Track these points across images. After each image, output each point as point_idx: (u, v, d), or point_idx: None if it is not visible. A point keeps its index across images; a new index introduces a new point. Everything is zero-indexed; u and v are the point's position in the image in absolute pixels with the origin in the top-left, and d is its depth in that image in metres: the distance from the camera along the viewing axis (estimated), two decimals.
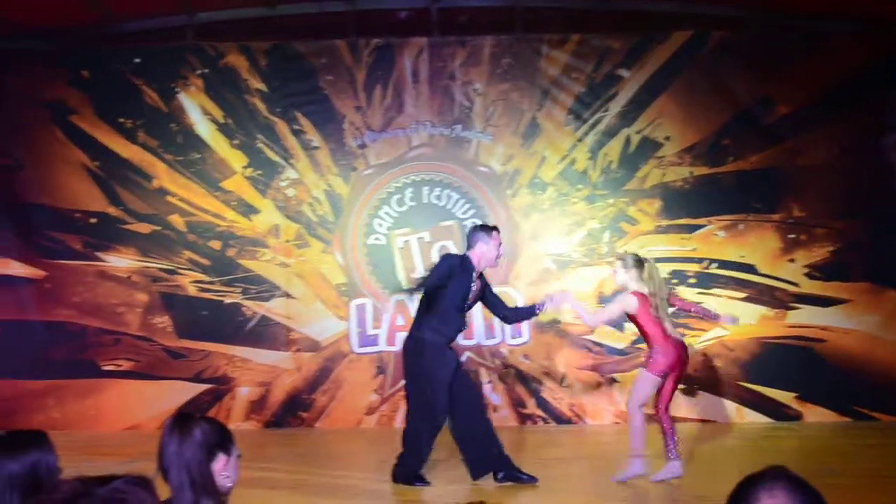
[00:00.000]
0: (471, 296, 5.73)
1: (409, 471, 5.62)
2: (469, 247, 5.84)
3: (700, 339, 8.06)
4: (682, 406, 8.01)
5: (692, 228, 8.15)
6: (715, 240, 8.16)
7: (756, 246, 8.12)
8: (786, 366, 7.98)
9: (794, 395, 7.99)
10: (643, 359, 7.97)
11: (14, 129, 8.23)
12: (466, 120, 8.30)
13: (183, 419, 2.61)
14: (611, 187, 8.26)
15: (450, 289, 5.62)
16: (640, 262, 5.71)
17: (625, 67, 8.22)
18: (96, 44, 8.41)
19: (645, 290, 5.61)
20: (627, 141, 8.24)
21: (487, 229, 5.89)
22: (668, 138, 8.20)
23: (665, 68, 8.16)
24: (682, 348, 5.69)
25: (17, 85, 8.24)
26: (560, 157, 8.28)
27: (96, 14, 7.95)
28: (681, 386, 7.98)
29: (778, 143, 8.14)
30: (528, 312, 6.13)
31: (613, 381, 8.09)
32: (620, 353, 8.11)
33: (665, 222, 8.18)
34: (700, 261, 8.13)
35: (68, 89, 8.23)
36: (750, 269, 8.11)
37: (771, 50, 8.22)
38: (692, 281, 8.12)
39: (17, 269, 8.16)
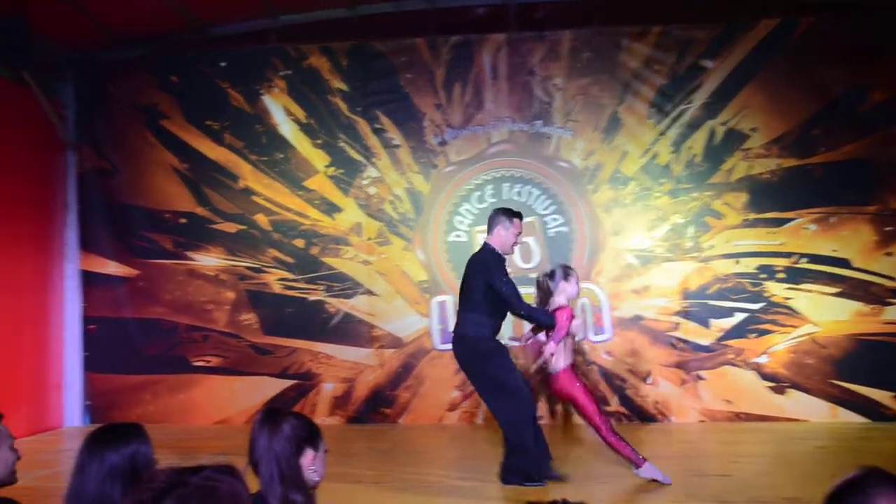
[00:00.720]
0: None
1: (521, 470, 5.40)
2: (489, 231, 5.68)
3: (789, 336, 7.83)
4: (772, 404, 7.81)
5: (781, 222, 7.91)
6: (805, 233, 7.91)
7: (850, 239, 7.83)
8: (882, 363, 7.67)
9: (891, 394, 7.68)
10: (730, 356, 7.87)
11: (112, 135, 8.57)
12: (546, 115, 8.25)
13: (272, 414, 2.68)
14: (695, 181, 8.09)
15: (481, 282, 5.49)
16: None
17: (709, 58, 8.04)
18: (185, 50, 8.66)
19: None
20: (712, 133, 8.06)
21: (510, 214, 5.68)
22: (754, 130, 7.98)
23: (751, 57, 7.95)
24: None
25: (116, 92, 8.57)
26: (642, 151, 8.15)
27: (185, 21, 8.19)
28: (770, 384, 7.81)
29: (872, 132, 7.83)
30: (543, 319, 5.54)
31: (699, 378, 7.93)
32: (706, 349, 7.94)
33: (752, 216, 7.97)
34: (789, 255, 7.90)
35: (159, 94, 8.52)
36: (843, 263, 7.83)
37: (864, 34, 7.90)
38: (781, 276, 7.89)
39: (113, 268, 8.49)
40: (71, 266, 8.52)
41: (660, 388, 7.97)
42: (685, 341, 7.98)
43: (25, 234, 7.95)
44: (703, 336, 7.96)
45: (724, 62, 8.00)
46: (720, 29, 8.04)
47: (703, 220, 8.07)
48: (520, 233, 5.69)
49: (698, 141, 8.08)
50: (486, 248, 5.63)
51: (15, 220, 7.75)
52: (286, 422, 2.64)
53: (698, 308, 7.99)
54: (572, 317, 5.46)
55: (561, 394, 5.50)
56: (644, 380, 8.00)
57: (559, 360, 5.44)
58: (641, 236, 8.15)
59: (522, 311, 5.54)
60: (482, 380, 5.54)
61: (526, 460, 5.39)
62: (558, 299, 5.52)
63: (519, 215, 5.72)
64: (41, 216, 8.26)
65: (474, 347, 5.49)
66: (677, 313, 8.02)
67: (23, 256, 7.90)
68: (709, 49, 8.04)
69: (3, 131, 7.56)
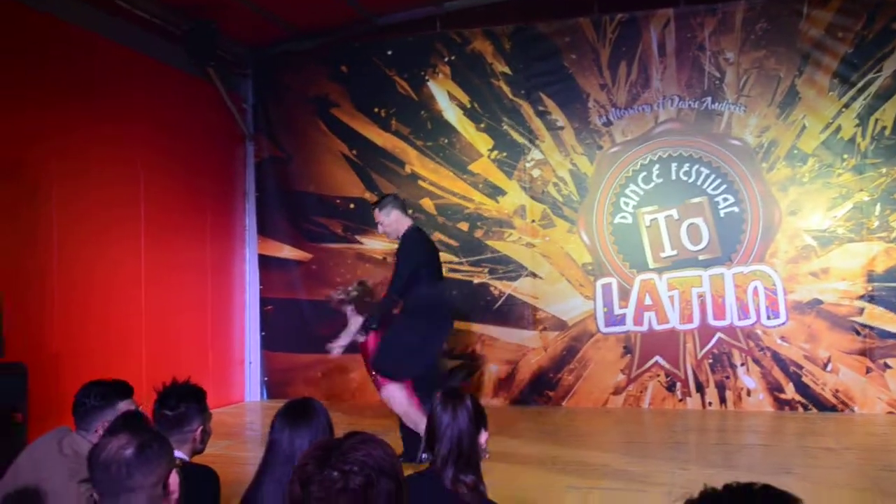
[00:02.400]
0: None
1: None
2: None
3: None
4: None
5: None
6: None
7: None
8: None
9: None
10: None
11: (286, 125, 9.00)
12: (717, 92, 7.91)
13: (455, 393, 2.77)
14: (884, 156, 7.52)
15: None
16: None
17: None
18: (354, 40, 8.92)
19: None
20: None
21: None
22: None
23: None
24: None
25: (290, 84, 8.98)
26: (823, 125, 7.67)
27: (354, 13, 8.46)
28: None
29: None
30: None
31: (887, 366, 7.41)
32: (893, 336, 7.40)
33: None
34: None
35: (330, 84, 8.84)
36: None
37: None
38: None
39: (288, 252, 8.94)
40: (250, 250, 9.04)
41: (840, 376, 7.51)
42: (870, 327, 7.47)
43: (210, 221, 8.49)
44: (892, 322, 7.42)
45: None
46: None
47: (892, 198, 7.50)
48: (377, 220, 6.27)
49: (888, 112, 7.49)
50: None
51: (200, 207, 8.29)
52: (468, 400, 2.73)
53: (886, 292, 7.45)
54: None
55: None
56: (823, 367, 7.57)
57: None
58: (821, 216, 7.69)
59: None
60: None
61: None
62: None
63: (373, 204, 6.37)
64: (223, 203, 8.79)
65: None
66: (861, 297, 7.52)
67: (207, 241, 8.44)
68: None
69: (190, 124, 8.10)
